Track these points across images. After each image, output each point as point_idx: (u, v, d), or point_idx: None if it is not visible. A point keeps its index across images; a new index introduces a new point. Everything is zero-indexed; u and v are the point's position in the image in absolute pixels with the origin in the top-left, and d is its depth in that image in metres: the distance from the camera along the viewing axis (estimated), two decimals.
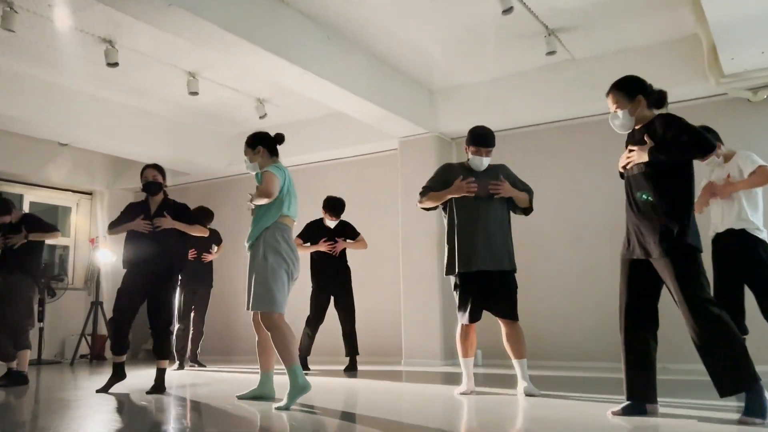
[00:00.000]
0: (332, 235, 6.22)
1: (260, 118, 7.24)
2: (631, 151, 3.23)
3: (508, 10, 4.84)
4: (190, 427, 3.23)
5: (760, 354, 4.68)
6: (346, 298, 6.17)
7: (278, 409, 3.55)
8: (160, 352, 4.64)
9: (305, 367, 6.27)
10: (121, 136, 7.47)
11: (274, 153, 4.10)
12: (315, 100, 6.48)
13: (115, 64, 5.71)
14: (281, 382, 3.92)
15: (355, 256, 6.75)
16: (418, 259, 6.95)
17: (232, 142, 8.40)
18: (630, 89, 3.32)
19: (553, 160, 6.63)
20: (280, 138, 4.13)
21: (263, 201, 3.76)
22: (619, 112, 3.29)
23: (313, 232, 6.30)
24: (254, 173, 4.01)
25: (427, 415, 3.57)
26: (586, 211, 6.41)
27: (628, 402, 3.15)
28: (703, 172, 4.72)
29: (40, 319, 8.13)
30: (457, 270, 4.08)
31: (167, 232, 4.67)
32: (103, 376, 5.02)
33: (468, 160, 4.27)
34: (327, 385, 4.95)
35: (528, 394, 4.00)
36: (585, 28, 5.62)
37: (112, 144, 7.66)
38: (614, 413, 3.12)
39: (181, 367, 6.66)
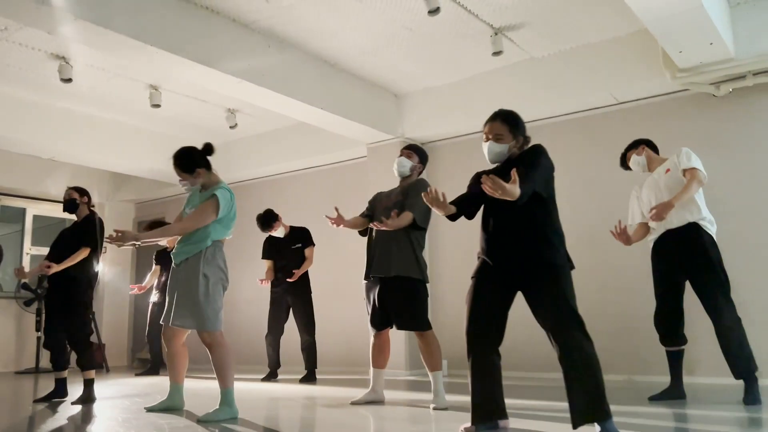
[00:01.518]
0: (287, 245, 6.24)
1: (231, 128, 7.28)
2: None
3: (434, 11, 4.67)
4: None
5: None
6: (303, 310, 6.13)
7: (199, 420, 3.54)
8: (81, 363, 4.67)
9: (274, 375, 6.28)
10: (107, 150, 7.64)
11: (210, 167, 4.02)
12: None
13: (69, 80, 5.83)
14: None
15: (323, 265, 6.71)
16: None
17: (216, 152, 8.46)
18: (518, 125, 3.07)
19: None
20: (210, 149, 4.07)
21: (186, 226, 3.72)
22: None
23: (272, 248, 6.35)
24: (195, 192, 4.00)
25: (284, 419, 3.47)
26: None
27: None
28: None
29: (38, 329, 8.40)
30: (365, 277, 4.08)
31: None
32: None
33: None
34: (251, 394, 4.90)
35: (435, 408, 3.85)
36: (536, 25, 5.39)
37: (98, 158, 7.84)
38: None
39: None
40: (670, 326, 4.06)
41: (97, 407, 4.40)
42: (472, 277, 3.02)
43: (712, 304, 3.84)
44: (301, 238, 6.33)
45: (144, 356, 8.73)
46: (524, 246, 2.90)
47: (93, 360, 4.76)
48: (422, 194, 3.01)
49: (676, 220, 3.98)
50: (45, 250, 9.28)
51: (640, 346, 5.24)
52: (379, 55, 5.97)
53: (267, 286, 6.40)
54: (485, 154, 3.07)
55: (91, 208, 5.10)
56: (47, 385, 5.70)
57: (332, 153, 7.50)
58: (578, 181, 5.91)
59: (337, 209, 4.22)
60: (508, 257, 2.92)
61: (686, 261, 3.95)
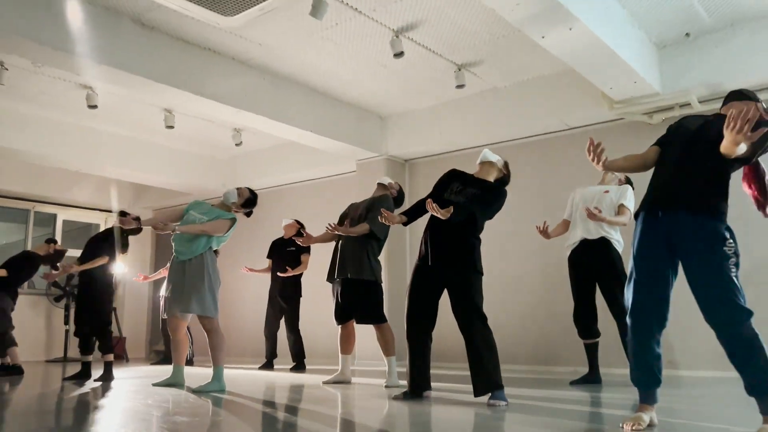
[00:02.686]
0: (284, 247, 7.11)
1: (236, 145, 8.19)
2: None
3: (398, 54, 5.54)
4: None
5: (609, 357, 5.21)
6: (290, 312, 7.00)
7: (193, 391, 4.48)
8: (102, 348, 5.62)
9: (270, 365, 7.16)
10: (127, 164, 8.58)
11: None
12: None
13: (95, 107, 6.75)
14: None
15: (316, 272, 7.57)
16: None
17: (225, 165, 9.44)
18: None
19: None
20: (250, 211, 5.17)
21: (204, 232, 4.66)
22: None
23: (274, 248, 7.26)
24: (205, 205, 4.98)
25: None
26: (510, 227, 6.94)
27: None
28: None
29: (66, 323, 9.41)
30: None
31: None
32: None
33: None
34: (247, 377, 5.79)
35: (387, 386, 4.71)
36: (494, 62, 6.21)
37: (119, 171, 8.78)
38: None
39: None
40: (586, 323, 4.86)
41: (114, 384, 5.32)
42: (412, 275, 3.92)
43: (615, 306, 4.64)
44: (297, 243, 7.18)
45: (160, 348, 9.69)
46: (453, 253, 3.79)
47: (111, 345, 5.67)
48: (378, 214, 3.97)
49: (594, 232, 4.81)
50: (74, 252, 10.34)
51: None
52: (361, 84, 6.83)
53: (256, 278, 7.22)
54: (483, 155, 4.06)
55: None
56: (73, 370, 6.65)
57: (325, 167, 8.39)
58: (533, 194, 6.72)
59: (307, 232, 5.10)
60: (441, 260, 3.80)
61: (597, 269, 4.77)
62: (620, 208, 4.81)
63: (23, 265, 6.84)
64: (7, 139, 7.45)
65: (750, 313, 2.47)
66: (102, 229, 10.79)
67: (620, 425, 2.70)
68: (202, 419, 3.32)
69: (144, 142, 8.70)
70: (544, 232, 4.93)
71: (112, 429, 3.04)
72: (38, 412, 3.85)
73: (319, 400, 4.21)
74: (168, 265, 7.90)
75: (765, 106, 2.84)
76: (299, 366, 6.95)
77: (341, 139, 7.21)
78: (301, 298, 7.19)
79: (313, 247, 7.18)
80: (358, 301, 4.87)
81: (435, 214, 3.61)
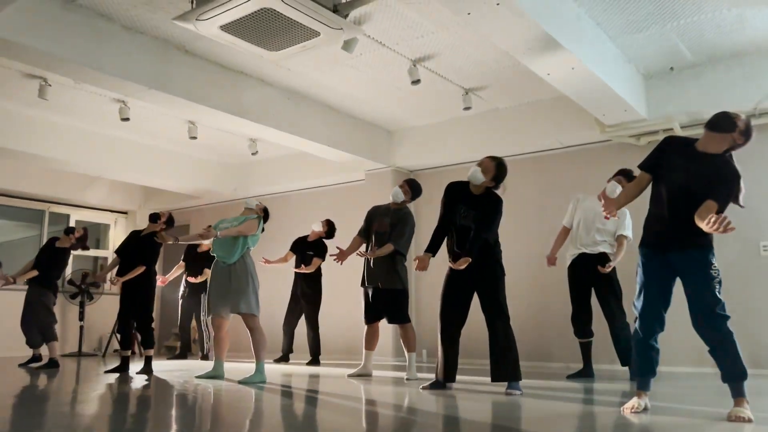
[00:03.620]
0: (305, 250, 7.70)
1: (252, 154, 8.76)
2: None
3: (416, 82, 6.17)
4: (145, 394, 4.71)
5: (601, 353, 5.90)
6: (309, 310, 7.58)
7: (241, 382, 5.05)
8: (144, 343, 6.19)
9: (286, 359, 7.75)
10: (143, 170, 9.11)
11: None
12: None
13: (127, 119, 7.28)
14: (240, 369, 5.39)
15: (332, 272, 8.17)
16: None
17: (237, 171, 9.99)
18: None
19: None
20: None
21: (240, 232, 5.26)
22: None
23: (296, 246, 7.82)
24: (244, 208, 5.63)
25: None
26: (509, 237, 7.61)
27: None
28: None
29: (81, 319, 9.92)
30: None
31: None
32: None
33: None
34: (270, 370, 6.40)
35: (408, 379, 5.35)
36: (497, 86, 6.87)
37: (136, 176, 9.31)
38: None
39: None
40: (582, 324, 5.55)
41: (158, 377, 5.88)
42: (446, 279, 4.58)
43: (609, 311, 5.36)
44: (316, 248, 7.73)
45: (170, 344, 10.24)
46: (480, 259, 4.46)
47: (153, 341, 6.24)
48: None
49: (593, 248, 5.48)
50: (86, 251, 10.78)
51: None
52: (373, 104, 7.46)
53: (270, 277, 7.80)
54: (470, 176, 4.56)
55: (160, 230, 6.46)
56: (87, 364, 7.18)
57: (334, 176, 9.00)
58: (530, 206, 7.41)
59: (339, 248, 5.77)
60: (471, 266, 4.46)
61: (594, 280, 5.45)
62: (620, 239, 5.50)
63: (54, 260, 7.31)
64: (35, 146, 7.95)
65: (727, 318, 3.15)
66: (112, 229, 11.38)
67: (621, 409, 3.37)
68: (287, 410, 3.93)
69: (161, 149, 9.23)
70: (551, 263, 5.66)
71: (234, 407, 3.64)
72: (142, 404, 4.42)
73: (358, 391, 4.83)
74: (179, 264, 8.61)
75: (741, 129, 3.21)
76: (315, 361, 7.50)
77: (352, 151, 7.82)
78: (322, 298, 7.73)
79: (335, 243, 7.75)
80: (388, 305, 5.49)
81: (460, 268, 4.32)
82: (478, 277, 4.45)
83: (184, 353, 8.79)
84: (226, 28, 4.64)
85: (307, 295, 7.65)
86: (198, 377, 5.54)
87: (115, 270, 6.32)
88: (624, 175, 5.66)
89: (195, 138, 8.05)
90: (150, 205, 11.26)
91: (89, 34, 5.25)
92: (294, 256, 7.82)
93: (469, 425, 3.31)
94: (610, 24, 5.44)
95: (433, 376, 4.79)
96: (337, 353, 8.44)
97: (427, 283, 8.05)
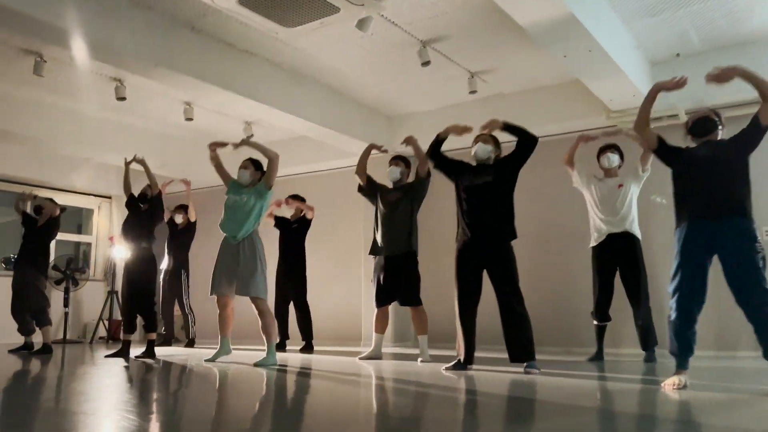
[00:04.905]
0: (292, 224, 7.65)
1: (248, 137, 8.59)
2: None
3: (426, 63, 6.11)
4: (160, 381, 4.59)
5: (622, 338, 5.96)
6: (296, 289, 7.35)
7: (256, 365, 4.95)
8: (146, 327, 6.05)
9: (282, 347, 7.62)
10: (130, 151, 8.81)
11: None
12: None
13: (123, 99, 7.09)
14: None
15: (322, 260, 8.08)
16: None
17: (228, 156, 9.77)
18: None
19: None
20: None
21: (273, 166, 5.29)
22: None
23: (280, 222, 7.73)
24: (248, 182, 5.48)
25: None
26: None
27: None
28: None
29: (66, 306, 9.66)
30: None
31: None
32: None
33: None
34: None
35: (422, 361, 5.32)
36: (504, 70, 6.85)
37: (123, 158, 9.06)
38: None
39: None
40: (604, 309, 5.56)
41: (162, 362, 5.75)
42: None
43: (634, 294, 5.37)
44: (300, 222, 7.62)
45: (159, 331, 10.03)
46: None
47: (156, 325, 6.09)
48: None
49: (619, 226, 5.48)
50: (69, 236, 10.55)
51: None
52: (376, 87, 7.39)
53: None
54: (477, 151, 4.71)
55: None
56: (74, 352, 7.02)
57: (332, 161, 8.90)
58: (532, 192, 7.40)
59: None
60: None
61: (620, 262, 5.45)
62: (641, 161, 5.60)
63: (42, 236, 7.09)
64: (22, 126, 7.72)
65: None
66: (96, 214, 11.10)
67: (661, 385, 3.38)
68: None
69: (151, 131, 9.02)
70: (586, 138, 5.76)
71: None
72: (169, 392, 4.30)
73: (386, 373, 4.78)
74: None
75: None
76: (308, 347, 7.30)
77: (354, 135, 7.74)
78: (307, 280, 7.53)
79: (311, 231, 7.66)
80: (402, 288, 5.43)
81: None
82: (490, 254, 4.45)
83: (168, 340, 8.52)
84: (244, 1, 4.53)
85: (293, 278, 7.36)
86: (207, 360, 5.43)
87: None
88: (616, 149, 5.75)
89: (191, 119, 7.88)
90: (135, 190, 10.95)
91: (95, 8, 5.07)
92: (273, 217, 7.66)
93: (521, 402, 3.29)
94: (625, 7, 5.46)
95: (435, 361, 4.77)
96: (324, 339, 8.33)
97: (428, 270, 8.02)
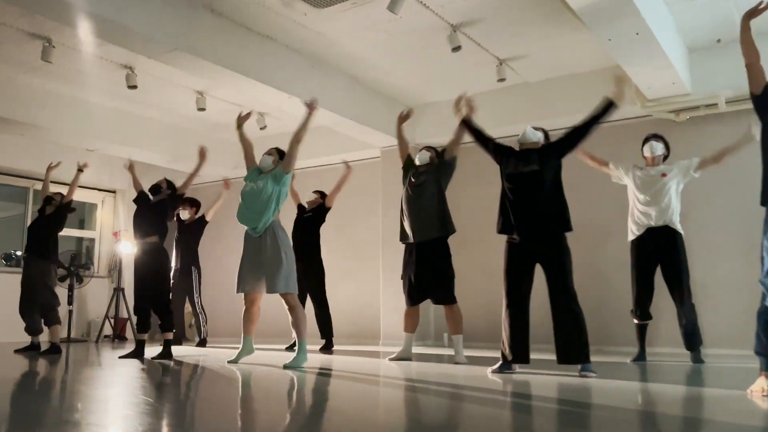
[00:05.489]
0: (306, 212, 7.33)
1: (261, 129, 8.29)
2: None
3: (456, 48, 5.81)
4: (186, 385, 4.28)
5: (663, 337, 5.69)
6: (314, 284, 6.96)
7: (287, 367, 4.63)
8: (163, 326, 5.74)
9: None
10: (139, 144, 8.56)
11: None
12: None
13: (134, 87, 6.77)
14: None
15: (338, 253, 7.78)
16: (397, 254, 7.91)
17: (238, 148, 9.44)
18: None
19: None
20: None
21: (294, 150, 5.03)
22: None
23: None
24: (270, 169, 5.13)
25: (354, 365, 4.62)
26: None
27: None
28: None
29: (70, 303, 9.32)
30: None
31: None
32: (122, 351, 6.09)
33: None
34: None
35: (456, 363, 5.02)
36: (532, 56, 6.56)
37: (131, 151, 8.73)
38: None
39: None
40: (645, 306, 5.27)
41: (181, 363, 5.44)
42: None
43: (677, 290, 5.07)
44: (316, 211, 7.29)
45: None
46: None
47: (173, 323, 5.78)
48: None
49: (659, 220, 5.18)
50: (72, 232, 10.22)
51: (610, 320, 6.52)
52: (397, 75, 7.09)
53: None
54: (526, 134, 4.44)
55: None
56: (78, 351, 6.72)
57: (348, 153, 8.56)
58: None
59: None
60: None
61: (661, 256, 5.16)
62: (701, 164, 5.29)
63: (51, 227, 6.78)
64: (27, 115, 7.39)
65: None
66: (99, 209, 10.76)
67: (747, 392, 3.09)
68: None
69: (159, 122, 8.70)
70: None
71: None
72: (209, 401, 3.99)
73: (424, 378, 4.48)
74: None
75: None
76: (328, 345, 7.01)
77: (373, 125, 7.43)
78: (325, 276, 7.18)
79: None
80: (435, 285, 5.13)
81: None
82: (543, 247, 4.15)
83: (178, 339, 8.20)
84: None
85: (311, 274, 6.97)
86: (230, 361, 5.12)
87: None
88: (661, 138, 5.47)
89: (203, 110, 7.56)
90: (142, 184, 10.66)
91: None
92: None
93: (596, 410, 3.00)
94: None
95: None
96: (344, 338, 8.03)
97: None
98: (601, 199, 6.74)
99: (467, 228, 6.68)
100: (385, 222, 8.05)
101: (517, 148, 4.48)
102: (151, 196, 6.18)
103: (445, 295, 5.15)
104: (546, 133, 4.58)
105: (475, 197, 7.60)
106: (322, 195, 7.34)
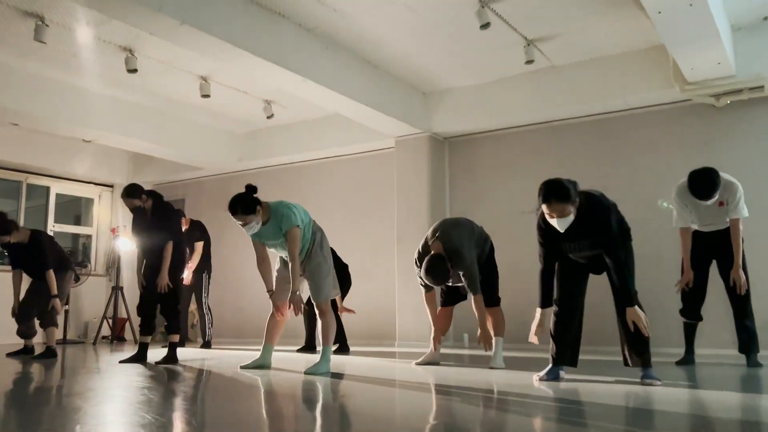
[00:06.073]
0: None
1: (267, 118, 7.83)
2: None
3: (485, 26, 5.36)
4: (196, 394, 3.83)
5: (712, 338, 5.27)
6: None
7: (308, 373, 4.20)
8: (169, 328, 5.27)
9: (310, 348, 6.83)
10: (139, 134, 8.08)
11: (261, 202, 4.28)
12: (317, 103, 7.06)
13: (134, 71, 6.31)
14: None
15: (352, 249, 7.32)
16: (412, 251, 7.48)
17: (243, 139, 9.04)
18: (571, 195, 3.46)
19: (534, 158, 7.10)
20: (255, 189, 4.27)
21: (295, 255, 4.24)
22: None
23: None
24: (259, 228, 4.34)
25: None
26: None
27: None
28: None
29: (66, 303, 8.84)
30: None
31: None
32: (122, 354, 5.62)
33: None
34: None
35: (492, 367, 4.57)
36: (563, 37, 6.12)
37: (131, 141, 8.27)
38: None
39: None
40: (696, 305, 4.81)
41: (187, 368, 4.98)
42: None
43: (736, 289, 4.61)
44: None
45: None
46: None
47: (179, 326, 5.31)
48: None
49: (720, 223, 4.71)
50: (67, 228, 9.75)
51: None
52: (414, 59, 6.64)
53: None
54: (557, 227, 3.51)
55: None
56: (73, 353, 6.27)
57: (360, 143, 8.12)
58: (590, 175, 6.66)
59: None
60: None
61: (718, 253, 4.69)
62: (733, 223, 4.59)
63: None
64: (18, 102, 6.93)
65: None
66: (96, 204, 10.27)
67: None
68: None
69: (159, 110, 8.23)
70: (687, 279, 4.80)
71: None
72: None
73: (461, 383, 4.03)
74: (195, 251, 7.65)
75: None
76: (342, 348, 6.62)
77: (388, 112, 6.97)
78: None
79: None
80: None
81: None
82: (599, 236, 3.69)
83: (182, 340, 7.75)
84: None
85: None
86: (243, 367, 4.66)
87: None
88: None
89: (207, 96, 7.09)
90: (140, 178, 10.18)
91: None
92: None
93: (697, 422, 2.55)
94: None
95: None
96: (358, 339, 7.56)
97: None
98: (632, 187, 6.30)
99: (494, 222, 6.24)
100: (399, 217, 7.60)
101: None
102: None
103: (489, 296, 4.70)
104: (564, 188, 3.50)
105: (503, 190, 7.17)
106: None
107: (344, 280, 6.03)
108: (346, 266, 6.33)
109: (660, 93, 6.27)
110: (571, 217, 3.46)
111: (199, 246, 7.17)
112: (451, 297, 4.86)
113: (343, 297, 6.13)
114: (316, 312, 4.45)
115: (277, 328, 4.65)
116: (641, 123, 6.58)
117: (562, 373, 3.84)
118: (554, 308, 3.81)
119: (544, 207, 3.48)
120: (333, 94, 6.30)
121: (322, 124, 8.25)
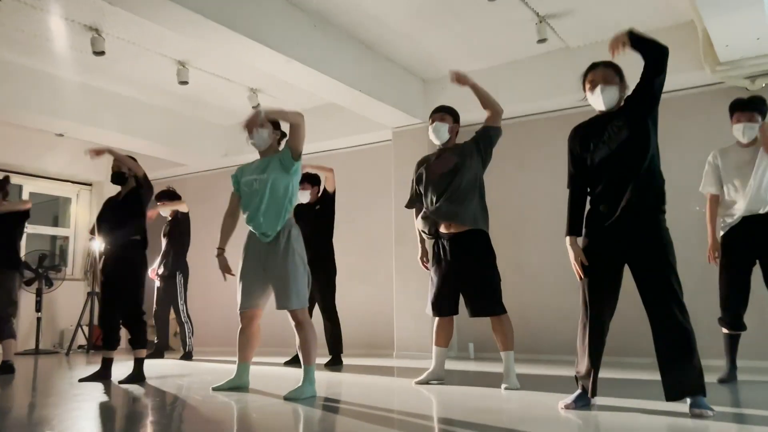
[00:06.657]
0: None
1: (253, 108, 7.17)
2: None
3: None
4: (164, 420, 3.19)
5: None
6: (322, 293, 5.79)
7: (288, 398, 3.54)
8: (134, 342, 4.61)
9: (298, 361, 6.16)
10: (113, 125, 7.41)
11: None
12: (308, 91, 6.42)
13: (102, 53, 5.66)
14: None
15: (347, 249, 6.69)
16: (412, 252, 6.83)
17: (228, 132, 8.37)
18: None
19: (546, 149, 6.48)
20: None
21: (299, 132, 3.72)
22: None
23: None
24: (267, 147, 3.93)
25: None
26: None
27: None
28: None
29: (38, 310, 8.19)
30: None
31: None
32: (93, 367, 4.98)
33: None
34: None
35: (507, 388, 3.93)
36: (578, 13, 5.49)
37: (103, 134, 7.59)
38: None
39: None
40: (737, 312, 4.16)
41: (154, 387, 4.34)
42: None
43: None
44: (322, 202, 6.09)
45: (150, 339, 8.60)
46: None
47: (146, 339, 4.66)
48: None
49: (754, 206, 4.07)
50: (42, 229, 9.12)
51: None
52: (415, 40, 6.00)
53: None
54: (600, 101, 3.28)
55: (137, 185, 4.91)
56: (48, 364, 5.64)
57: (355, 135, 7.50)
58: None
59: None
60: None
61: (760, 250, 4.07)
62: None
63: (11, 228, 5.65)
64: None
65: None
66: (74, 204, 9.63)
67: None
68: None
69: (135, 100, 7.57)
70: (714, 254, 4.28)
71: None
72: None
73: (477, 413, 3.39)
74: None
75: None
76: (335, 360, 5.85)
77: (384, 100, 6.34)
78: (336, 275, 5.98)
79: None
80: (474, 290, 4.04)
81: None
82: (634, 241, 3.05)
83: (160, 351, 7.08)
84: None
85: (317, 278, 5.42)
86: (215, 389, 4.01)
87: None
88: (762, 113, 4.25)
89: (185, 83, 6.44)
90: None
91: None
92: None
93: None
94: None
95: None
96: (353, 348, 6.92)
97: None
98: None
99: (499, 220, 5.62)
100: (398, 215, 6.95)
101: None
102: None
103: (490, 305, 4.05)
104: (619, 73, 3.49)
105: (511, 185, 6.54)
106: (309, 179, 6.06)
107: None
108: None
109: (687, 76, 5.63)
110: (615, 92, 3.28)
111: (183, 205, 6.94)
112: (445, 306, 4.20)
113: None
114: (291, 322, 3.76)
115: (250, 343, 4.00)
116: (665, 110, 5.87)
117: (592, 399, 3.19)
118: (582, 315, 3.16)
119: (588, 77, 3.32)
120: (323, 78, 5.65)
121: (313, 115, 7.53)
